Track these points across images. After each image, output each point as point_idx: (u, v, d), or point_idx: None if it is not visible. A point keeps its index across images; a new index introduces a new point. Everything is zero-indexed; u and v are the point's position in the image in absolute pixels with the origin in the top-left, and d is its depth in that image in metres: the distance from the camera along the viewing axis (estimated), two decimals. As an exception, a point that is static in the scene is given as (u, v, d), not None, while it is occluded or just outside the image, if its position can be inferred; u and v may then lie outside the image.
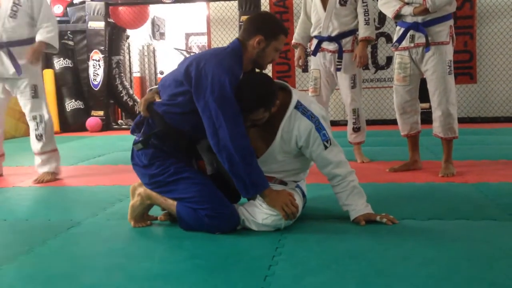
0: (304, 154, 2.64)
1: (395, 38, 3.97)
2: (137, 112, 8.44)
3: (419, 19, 3.77)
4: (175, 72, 2.62)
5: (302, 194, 2.78)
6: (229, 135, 2.40)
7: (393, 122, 7.39)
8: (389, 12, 3.90)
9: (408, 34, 3.84)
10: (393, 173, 4.01)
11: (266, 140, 2.62)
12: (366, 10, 4.29)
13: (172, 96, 2.57)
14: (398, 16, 3.87)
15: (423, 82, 3.99)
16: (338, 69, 4.39)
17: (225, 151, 2.42)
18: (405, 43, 3.88)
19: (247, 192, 2.50)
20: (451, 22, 3.81)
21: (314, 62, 4.53)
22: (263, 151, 2.62)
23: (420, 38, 3.79)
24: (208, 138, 2.48)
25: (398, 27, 3.96)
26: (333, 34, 4.35)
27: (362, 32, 4.30)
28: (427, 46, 3.76)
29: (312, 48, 4.52)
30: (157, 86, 2.73)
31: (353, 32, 4.39)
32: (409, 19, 3.82)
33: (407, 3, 3.79)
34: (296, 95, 2.60)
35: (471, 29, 7.67)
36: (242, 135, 2.44)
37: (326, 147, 2.56)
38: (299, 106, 2.57)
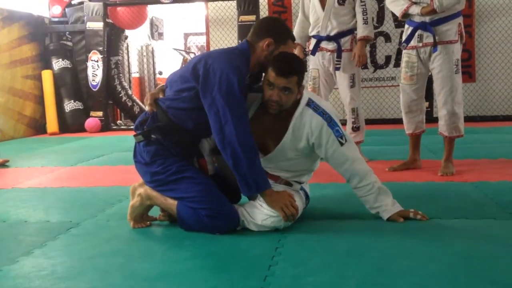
0: (314, 152, 2.65)
1: (403, 37, 3.96)
2: (136, 112, 8.49)
3: (427, 18, 3.76)
4: (183, 69, 2.65)
5: (306, 196, 2.79)
6: (235, 131, 2.41)
7: (392, 121, 7.48)
8: (397, 11, 3.90)
9: (416, 34, 3.84)
10: (392, 172, 4.01)
11: (276, 137, 2.62)
12: (365, 9, 4.29)
13: (177, 91, 2.59)
14: (405, 15, 3.87)
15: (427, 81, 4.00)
16: (337, 69, 4.39)
17: (230, 148, 2.43)
18: (413, 43, 3.87)
19: (248, 190, 2.50)
20: (460, 19, 3.79)
21: (313, 61, 4.53)
22: (273, 148, 2.63)
23: (428, 38, 3.79)
24: (213, 135, 2.50)
25: (406, 26, 3.95)
26: (332, 34, 4.35)
27: (361, 32, 4.30)
28: (434, 46, 3.75)
29: (311, 47, 4.51)
30: (163, 84, 2.76)
31: (351, 31, 4.38)
32: (417, 19, 3.81)
33: (415, 3, 3.77)
34: (307, 93, 2.64)
35: (469, 28, 7.66)
36: (248, 133, 2.46)
37: (342, 144, 2.56)
38: (310, 103, 2.59)
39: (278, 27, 2.67)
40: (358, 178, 2.61)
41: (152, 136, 2.61)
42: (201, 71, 2.50)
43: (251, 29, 2.68)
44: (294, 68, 2.53)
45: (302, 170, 2.74)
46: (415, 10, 3.77)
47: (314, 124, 2.55)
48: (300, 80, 2.55)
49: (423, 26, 3.79)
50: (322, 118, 2.55)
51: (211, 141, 2.75)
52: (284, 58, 2.54)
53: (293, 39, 2.72)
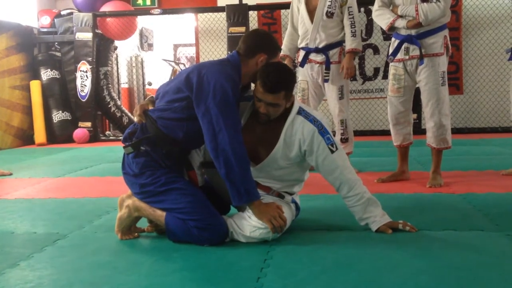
0: (305, 161, 2.65)
1: (390, 50, 4.00)
2: (125, 123, 8.46)
3: (413, 31, 3.80)
4: (176, 80, 2.65)
5: (296, 207, 2.80)
6: (228, 139, 2.42)
7: (381, 132, 7.51)
8: (383, 24, 3.93)
9: (403, 47, 3.87)
10: (381, 183, 4.02)
11: (268, 145, 2.63)
12: (353, 22, 4.33)
13: (169, 102, 2.60)
14: (392, 28, 3.90)
15: (415, 93, 4.03)
16: (326, 80, 4.41)
17: (223, 156, 2.43)
18: (400, 56, 3.91)
19: (240, 199, 2.49)
20: (445, 32, 3.84)
21: (302, 73, 4.55)
22: (264, 157, 2.64)
23: (415, 51, 3.82)
24: (206, 143, 2.49)
25: (393, 39, 3.99)
26: (320, 46, 4.38)
27: (349, 44, 4.33)
28: (421, 58, 3.78)
29: (300, 59, 4.54)
30: (152, 95, 2.77)
31: (340, 43, 4.42)
32: (403, 32, 3.85)
33: (401, 16, 3.82)
34: (297, 102, 2.66)
35: (457, 41, 7.74)
36: (241, 142, 2.47)
37: (332, 151, 2.56)
38: (301, 111, 2.61)
39: (269, 42, 2.72)
40: (347, 187, 2.61)
41: (142, 148, 2.60)
42: (194, 80, 2.51)
43: (241, 42, 2.70)
44: (281, 84, 2.52)
45: (293, 180, 2.75)
46: (401, 23, 3.81)
47: (306, 131, 2.57)
48: (288, 94, 2.56)
49: (409, 39, 3.82)
50: (313, 125, 2.57)
51: (200, 153, 2.75)
52: (272, 74, 2.52)
53: (280, 50, 2.79)
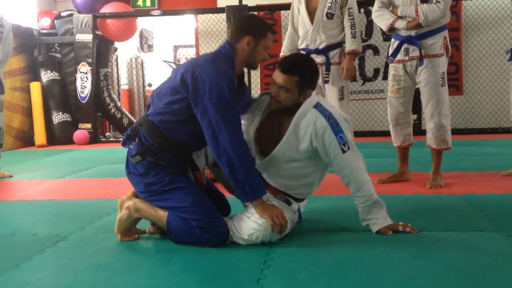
0: (317, 157, 2.63)
1: (390, 51, 4.00)
2: (125, 125, 8.47)
3: (413, 32, 3.80)
4: (171, 80, 2.64)
5: (298, 215, 2.80)
6: (229, 139, 2.43)
7: (381, 133, 7.52)
8: (383, 25, 3.94)
9: (403, 48, 3.87)
10: (381, 184, 4.01)
11: (277, 139, 2.62)
12: (353, 23, 4.33)
13: (168, 104, 2.59)
14: (391, 29, 3.91)
15: (415, 94, 4.03)
16: (326, 81, 4.41)
17: (225, 155, 2.44)
18: (399, 56, 3.91)
19: (246, 197, 2.50)
20: (445, 33, 3.84)
21: (302, 74, 4.54)
22: (272, 149, 2.63)
23: (415, 51, 3.82)
24: (208, 143, 2.50)
25: (392, 40, 4.00)
26: (321, 47, 4.38)
27: (349, 45, 4.33)
28: (420, 59, 3.79)
29: (300, 60, 4.53)
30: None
31: (340, 44, 4.41)
32: (403, 33, 3.85)
33: (400, 17, 3.82)
34: (317, 97, 2.65)
35: (457, 41, 7.75)
36: (241, 140, 2.49)
37: (344, 151, 2.54)
38: (318, 106, 2.59)
39: (253, 23, 2.70)
40: (354, 187, 2.61)
41: (148, 158, 2.60)
42: (189, 81, 2.50)
43: (229, 30, 2.71)
44: (296, 67, 2.54)
45: (301, 176, 2.70)
46: (400, 24, 3.81)
47: (318, 125, 2.54)
48: (302, 82, 2.55)
49: (409, 40, 3.82)
50: (327, 122, 2.53)
51: (200, 153, 2.76)
52: (292, 57, 2.60)
53: (272, 31, 2.72)
